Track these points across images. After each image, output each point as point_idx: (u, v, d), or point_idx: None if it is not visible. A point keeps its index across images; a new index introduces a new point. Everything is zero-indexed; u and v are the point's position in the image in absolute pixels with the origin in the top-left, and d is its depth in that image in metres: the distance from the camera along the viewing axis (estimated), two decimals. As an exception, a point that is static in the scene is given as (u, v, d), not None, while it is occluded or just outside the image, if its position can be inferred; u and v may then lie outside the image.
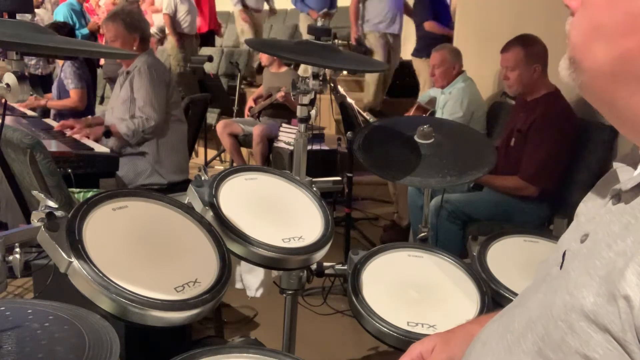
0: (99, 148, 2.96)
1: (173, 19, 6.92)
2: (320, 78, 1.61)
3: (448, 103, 3.66)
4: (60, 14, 6.75)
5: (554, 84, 2.83)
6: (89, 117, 3.79)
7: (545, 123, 2.73)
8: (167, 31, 7.12)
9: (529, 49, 2.82)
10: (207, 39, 7.67)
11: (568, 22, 0.69)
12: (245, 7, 7.12)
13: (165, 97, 3.11)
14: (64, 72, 4.59)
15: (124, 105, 3.09)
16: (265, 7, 7.71)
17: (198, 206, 1.34)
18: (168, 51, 7.07)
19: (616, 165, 0.71)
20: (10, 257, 1.09)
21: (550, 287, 0.70)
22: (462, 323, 1.12)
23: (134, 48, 3.07)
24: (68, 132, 3.16)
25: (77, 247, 1.05)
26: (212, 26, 7.65)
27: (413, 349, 0.99)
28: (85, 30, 6.75)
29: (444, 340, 0.98)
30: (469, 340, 0.91)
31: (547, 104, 2.78)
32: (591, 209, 0.75)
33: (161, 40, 7.28)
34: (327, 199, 1.60)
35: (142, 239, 1.19)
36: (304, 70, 5.47)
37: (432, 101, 4.04)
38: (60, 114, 4.59)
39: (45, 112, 4.83)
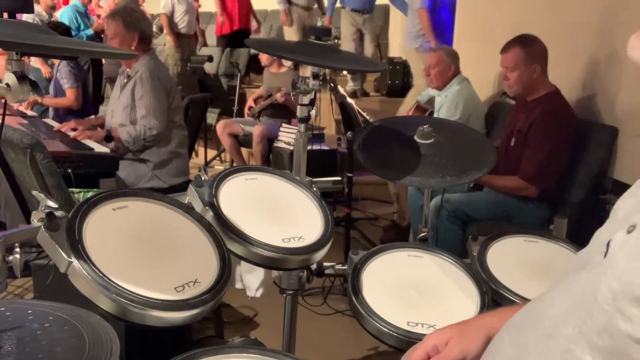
0: (99, 148, 2.95)
1: (170, 19, 6.93)
2: (321, 78, 1.61)
3: (443, 106, 3.63)
4: (65, 16, 6.78)
5: (554, 84, 2.83)
6: (93, 117, 3.78)
7: (545, 123, 2.73)
8: (164, 31, 7.12)
9: (528, 49, 2.82)
10: (237, 39, 7.13)
11: None
12: (291, 4, 6.60)
13: (167, 104, 3.07)
14: (60, 72, 4.61)
15: (124, 111, 3.06)
16: (315, 5, 6.92)
17: (198, 206, 1.34)
18: (166, 51, 7.09)
19: None
20: (10, 257, 1.09)
21: (594, 274, 0.70)
22: (480, 314, 1.10)
23: (133, 47, 3.01)
24: (71, 134, 3.14)
25: (77, 247, 1.05)
26: (242, 26, 7.28)
27: (428, 340, 0.98)
28: (90, 31, 6.77)
29: (460, 333, 0.96)
30: (485, 334, 0.91)
31: (547, 104, 2.78)
32: (633, 204, 0.75)
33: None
34: (327, 199, 1.60)
35: (142, 239, 1.19)
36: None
37: (432, 100, 4.03)
38: (58, 114, 4.59)
39: (45, 112, 4.84)
